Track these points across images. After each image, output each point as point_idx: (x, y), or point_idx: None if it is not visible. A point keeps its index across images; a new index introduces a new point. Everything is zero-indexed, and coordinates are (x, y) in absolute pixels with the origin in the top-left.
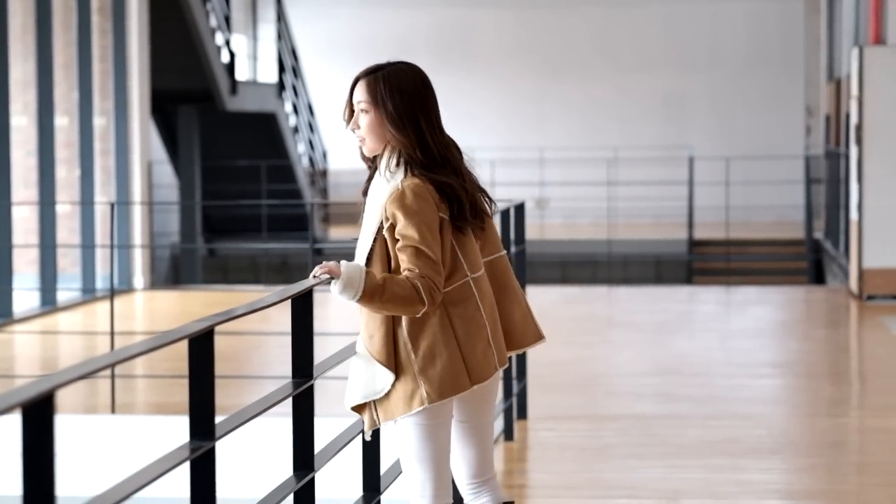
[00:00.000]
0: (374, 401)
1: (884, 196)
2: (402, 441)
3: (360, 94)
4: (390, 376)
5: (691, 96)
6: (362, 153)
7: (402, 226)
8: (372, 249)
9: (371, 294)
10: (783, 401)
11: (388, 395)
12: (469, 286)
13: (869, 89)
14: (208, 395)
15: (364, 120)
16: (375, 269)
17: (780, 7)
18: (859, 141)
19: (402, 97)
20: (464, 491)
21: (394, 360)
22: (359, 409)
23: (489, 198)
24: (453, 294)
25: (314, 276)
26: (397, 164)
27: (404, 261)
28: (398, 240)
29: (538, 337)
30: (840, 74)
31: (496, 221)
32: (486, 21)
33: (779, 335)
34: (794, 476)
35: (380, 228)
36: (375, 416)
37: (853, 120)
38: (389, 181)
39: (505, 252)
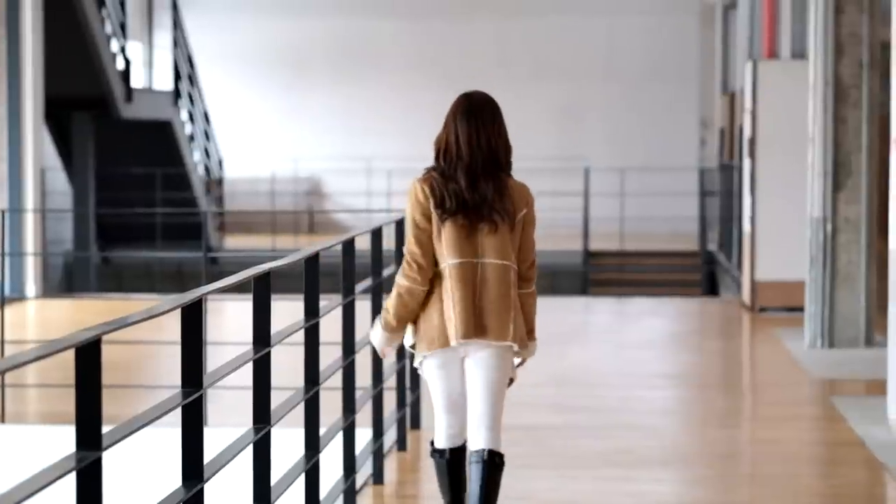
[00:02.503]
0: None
1: (776, 209)
2: (426, 378)
3: None
4: (412, 333)
5: (588, 108)
6: None
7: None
8: None
9: (387, 325)
10: (676, 412)
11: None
12: (446, 270)
13: (762, 103)
14: (95, 405)
15: None
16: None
17: (676, 21)
18: (752, 154)
19: (447, 119)
20: (468, 432)
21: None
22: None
23: (506, 206)
24: (439, 274)
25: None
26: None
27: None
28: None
29: (503, 336)
30: (734, 88)
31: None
32: (385, 32)
33: (672, 346)
34: (687, 487)
35: None
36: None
37: (746, 133)
38: None
39: (505, 262)
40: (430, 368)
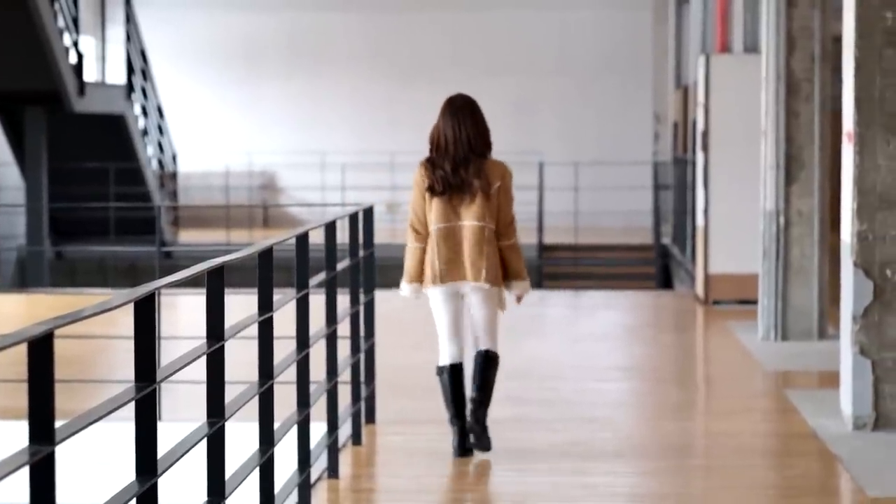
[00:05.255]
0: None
1: (729, 202)
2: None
3: None
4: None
5: (541, 102)
6: None
7: None
8: None
9: (405, 277)
10: (630, 404)
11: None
12: (434, 232)
13: (715, 97)
14: (48, 399)
15: None
16: None
17: (628, 15)
18: (705, 147)
19: (438, 118)
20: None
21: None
22: None
23: (482, 182)
24: (432, 234)
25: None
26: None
27: None
28: None
29: (476, 278)
30: (687, 82)
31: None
32: (336, 25)
33: (626, 339)
34: (640, 479)
35: None
36: None
37: (700, 127)
38: None
39: (480, 223)
40: (433, 301)
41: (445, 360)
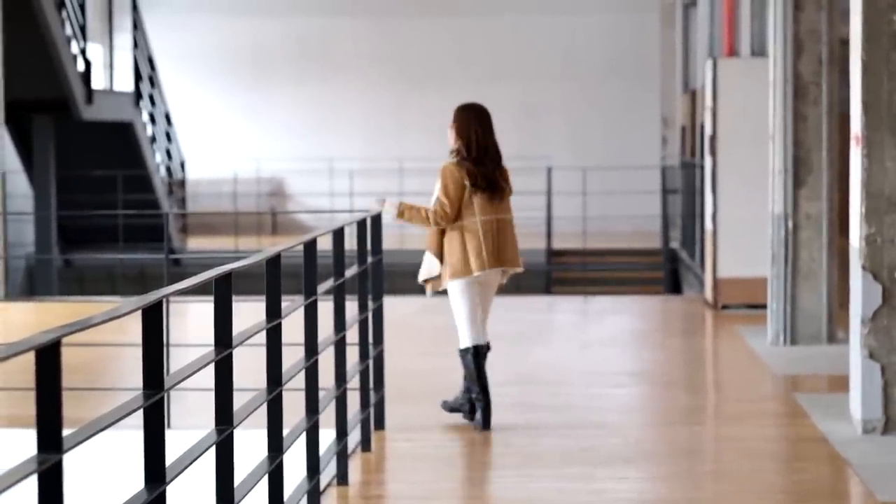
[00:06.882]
0: (432, 277)
1: (737, 206)
2: (452, 300)
3: (451, 118)
4: (438, 262)
5: (549, 107)
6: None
7: (438, 185)
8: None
9: (401, 214)
10: (639, 409)
11: (439, 274)
12: (476, 222)
13: (723, 100)
14: (56, 407)
15: (450, 131)
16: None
17: (636, 19)
18: (713, 151)
19: (462, 124)
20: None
21: (439, 255)
22: (426, 281)
23: (507, 184)
24: (466, 225)
25: (372, 204)
26: (452, 154)
27: (433, 200)
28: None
29: (516, 265)
30: (695, 86)
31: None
32: (345, 31)
33: (635, 344)
34: (649, 485)
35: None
36: (436, 285)
37: (707, 131)
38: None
39: (511, 217)
40: (465, 287)
41: (470, 341)
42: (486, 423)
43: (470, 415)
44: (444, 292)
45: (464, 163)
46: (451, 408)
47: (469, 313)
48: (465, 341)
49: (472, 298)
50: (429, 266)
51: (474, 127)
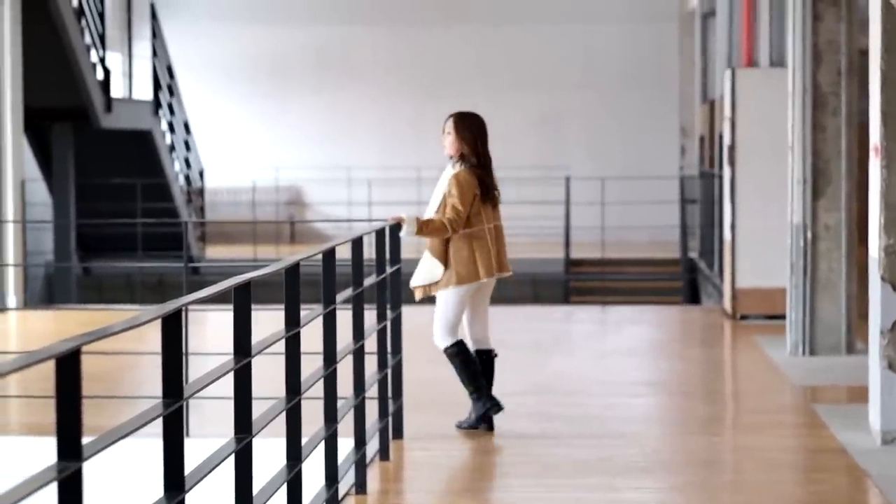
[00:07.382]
0: (431, 283)
1: (756, 216)
2: (440, 305)
3: (449, 125)
4: (442, 268)
5: (567, 116)
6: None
7: (452, 192)
8: (442, 202)
9: (420, 229)
10: (657, 419)
11: (438, 280)
12: (485, 230)
13: (741, 111)
14: (76, 416)
15: (448, 138)
16: (440, 213)
17: (655, 28)
18: (732, 162)
19: (468, 131)
20: (471, 346)
21: (444, 262)
22: (419, 287)
23: (498, 192)
24: (475, 232)
25: (386, 220)
26: (459, 161)
27: (448, 207)
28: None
29: (510, 270)
30: (714, 95)
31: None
32: (363, 40)
33: (653, 354)
34: (668, 495)
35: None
36: (428, 290)
37: (726, 141)
38: (453, 168)
39: (502, 224)
40: (463, 293)
41: (455, 338)
42: (486, 419)
43: (486, 426)
44: (432, 298)
45: (474, 170)
46: (469, 425)
47: (457, 317)
48: (447, 340)
49: (465, 304)
50: (430, 273)
51: (478, 135)
